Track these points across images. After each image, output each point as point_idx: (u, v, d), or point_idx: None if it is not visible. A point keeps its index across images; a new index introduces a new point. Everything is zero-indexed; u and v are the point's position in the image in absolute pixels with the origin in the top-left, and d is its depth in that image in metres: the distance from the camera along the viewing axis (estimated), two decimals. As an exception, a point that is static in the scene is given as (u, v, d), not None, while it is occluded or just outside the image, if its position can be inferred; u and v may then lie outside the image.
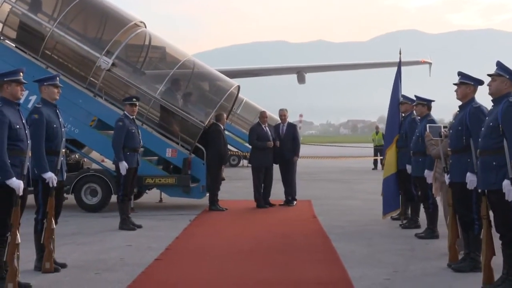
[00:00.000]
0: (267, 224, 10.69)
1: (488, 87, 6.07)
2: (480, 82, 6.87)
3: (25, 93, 9.92)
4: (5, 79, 6.02)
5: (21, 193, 5.89)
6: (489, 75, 6.06)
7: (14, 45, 12.54)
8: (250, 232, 9.90)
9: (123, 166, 9.90)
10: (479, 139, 6.03)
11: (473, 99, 6.86)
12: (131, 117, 10.16)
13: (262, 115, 13.34)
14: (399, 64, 10.98)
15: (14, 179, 5.83)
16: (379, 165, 24.54)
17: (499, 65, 5.98)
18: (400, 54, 11.00)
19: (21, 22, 12.81)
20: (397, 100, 10.58)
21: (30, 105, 10.27)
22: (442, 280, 6.49)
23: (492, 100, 6.06)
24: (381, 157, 24.49)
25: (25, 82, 6.16)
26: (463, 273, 6.75)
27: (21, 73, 6.12)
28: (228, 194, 13.13)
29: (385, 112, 12.26)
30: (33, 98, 10.65)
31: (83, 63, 12.66)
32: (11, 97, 6.04)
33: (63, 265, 7.00)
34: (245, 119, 26.12)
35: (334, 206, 12.67)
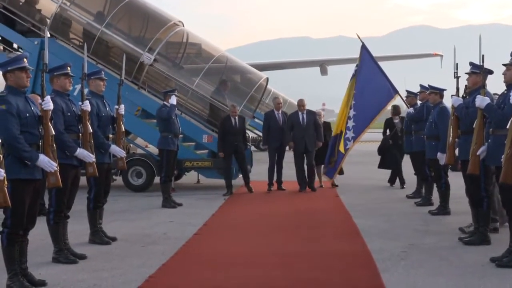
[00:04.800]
0: (294, 203, 10.67)
1: (503, 75, 5.99)
2: (489, 72, 6.75)
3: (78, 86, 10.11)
4: (54, 74, 6.08)
5: (91, 160, 6.16)
6: (504, 64, 5.97)
7: (70, 44, 12.66)
8: (278, 210, 9.91)
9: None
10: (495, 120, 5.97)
11: (482, 86, 6.74)
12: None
13: (299, 104, 12.09)
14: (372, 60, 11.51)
15: (79, 149, 6.04)
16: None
17: None
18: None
19: (74, 23, 12.94)
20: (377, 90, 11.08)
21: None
22: (454, 252, 6.43)
23: (506, 86, 6.00)
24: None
25: (73, 75, 6.18)
26: (473, 246, 6.68)
27: (68, 67, 6.14)
28: (257, 176, 13.12)
29: (398, 101, 12.22)
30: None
31: (128, 59, 12.74)
32: (61, 89, 6.10)
33: (114, 239, 7.10)
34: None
35: (354, 186, 12.61)
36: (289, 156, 12.37)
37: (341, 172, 12.66)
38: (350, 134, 11.56)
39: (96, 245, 6.86)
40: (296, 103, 12.83)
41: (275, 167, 12.07)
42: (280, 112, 12.28)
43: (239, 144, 11.69)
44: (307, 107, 12.12)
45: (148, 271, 5.64)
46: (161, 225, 8.24)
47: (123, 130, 7.31)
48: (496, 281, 5.25)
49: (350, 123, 11.56)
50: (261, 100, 15.83)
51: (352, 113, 11.59)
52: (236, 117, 11.70)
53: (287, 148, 12.31)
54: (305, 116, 11.91)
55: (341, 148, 11.59)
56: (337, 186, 12.49)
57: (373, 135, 23.25)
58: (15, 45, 12.89)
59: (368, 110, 11.55)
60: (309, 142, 11.84)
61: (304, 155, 11.94)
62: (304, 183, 11.93)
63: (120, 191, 11.50)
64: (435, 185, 9.60)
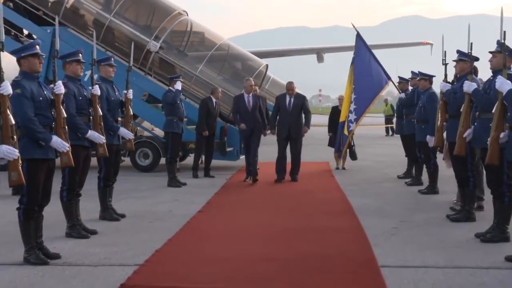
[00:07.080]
0: (292, 183, 10.60)
1: (489, 62, 5.98)
2: (476, 59, 6.74)
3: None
4: (67, 60, 6.08)
5: (102, 141, 6.18)
6: (490, 52, 5.97)
7: (80, 33, 12.60)
8: (277, 189, 9.93)
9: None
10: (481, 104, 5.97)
11: (470, 73, 6.73)
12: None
13: (288, 87, 10.76)
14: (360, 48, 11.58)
15: (90, 131, 6.07)
16: (390, 132, 24.47)
17: (499, 43, 5.86)
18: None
19: (85, 13, 12.90)
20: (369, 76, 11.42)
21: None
22: (441, 228, 6.48)
23: (492, 72, 5.99)
24: (392, 125, 24.34)
25: (84, 61, 6.17)
26: (459, 222, 6.73)
27: (80, 54, 6.13)
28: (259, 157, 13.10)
29: (391, 87, 12.22)
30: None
31: (136, 47, 12.68)
32: (73, 74, 6.10)
33: (123, 215, 7.15)
34: (273, 94, 26.03)
35: (349, 167, 12.62)
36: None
37: (354, 158, 12.65)
38: (352, 116, 11.57)
39: (106, 221, 6.91)
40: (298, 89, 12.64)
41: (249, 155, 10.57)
42: (251, 95, 10.58)
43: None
44: (304, 92, 11.92)
45: (155, 245, 5.68)
46: (167, 203, 8.28)
47: (131, 113, 7.32)
48: (480, 255, 5.30)
49: (352, 106, 11.57)
50: (261, 86, 15.78)
51: (353, 96, 11.60)
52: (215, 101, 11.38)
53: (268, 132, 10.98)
54: (292, 99, 10.58)
55: (345, 131, 11.63)
56: (344, 168, 12.38)
57: (369, 119, 23.34)
58: (25, 32, 12.89)
59: (366, 94, 11.55)
60: (294, 128, 10.52)
61: (289, 143, 10.65)
62: (281, 173, 10.62)
63: (128, 171, 11.53)
64: (424, 166, 9.63)
